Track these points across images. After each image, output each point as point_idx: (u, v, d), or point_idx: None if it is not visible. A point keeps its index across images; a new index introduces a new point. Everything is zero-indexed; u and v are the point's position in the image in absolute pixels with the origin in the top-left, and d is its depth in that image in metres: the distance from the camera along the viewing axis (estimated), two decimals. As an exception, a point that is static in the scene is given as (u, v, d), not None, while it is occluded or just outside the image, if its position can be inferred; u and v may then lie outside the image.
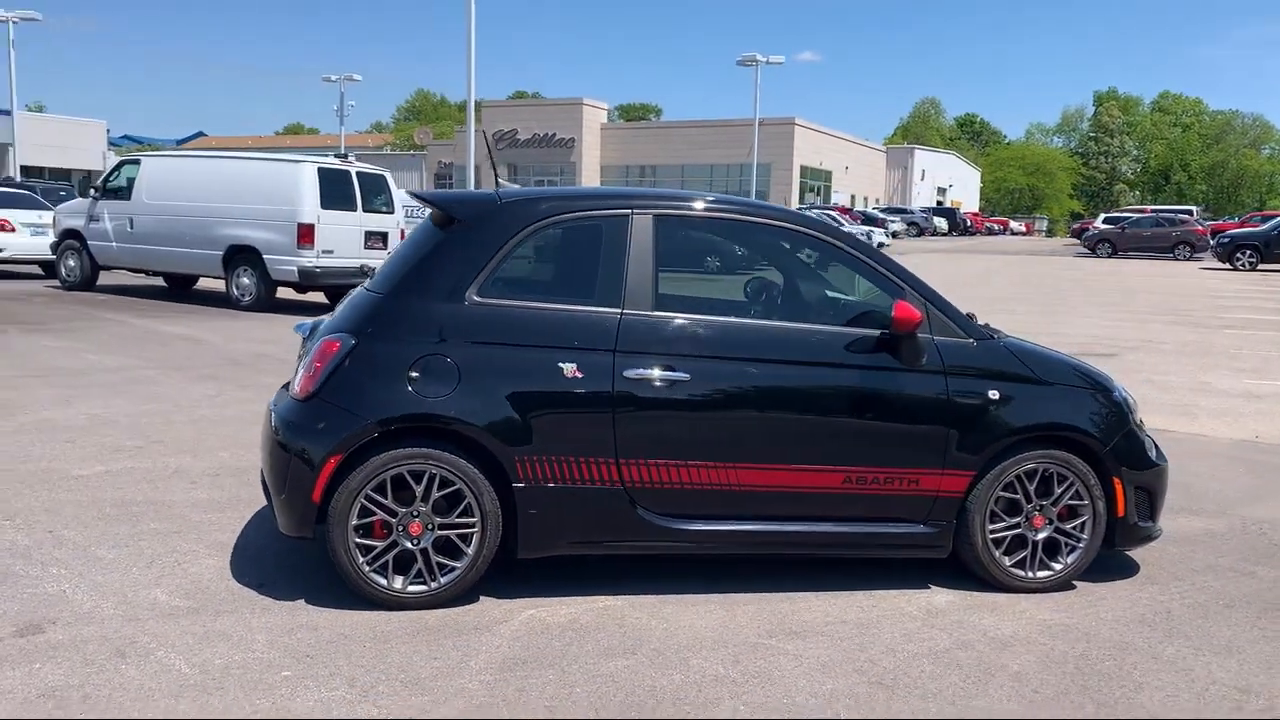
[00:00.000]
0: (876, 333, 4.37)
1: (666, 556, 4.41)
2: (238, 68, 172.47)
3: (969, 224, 64.30)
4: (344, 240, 14.25)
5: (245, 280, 14.41)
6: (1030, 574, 4.50)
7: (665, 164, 60.91)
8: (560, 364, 4.11)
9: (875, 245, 33.13)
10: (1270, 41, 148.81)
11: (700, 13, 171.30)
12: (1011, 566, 4.49)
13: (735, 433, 4.27)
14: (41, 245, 17.43)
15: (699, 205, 4.56)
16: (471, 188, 29.41)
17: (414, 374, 4.02)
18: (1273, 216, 38.28)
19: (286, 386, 4.49)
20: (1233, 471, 6.92)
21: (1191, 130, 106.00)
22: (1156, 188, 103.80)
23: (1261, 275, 29.23)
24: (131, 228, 15.13)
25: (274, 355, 10.16)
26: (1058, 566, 4.53)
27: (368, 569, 4.01)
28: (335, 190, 14.21)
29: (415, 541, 4.04)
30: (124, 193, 15.31)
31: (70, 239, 15.98)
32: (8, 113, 39.53)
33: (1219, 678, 3.71)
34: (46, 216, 17.67)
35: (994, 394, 4.40)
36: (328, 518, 4.00)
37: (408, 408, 4.00)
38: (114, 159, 23.21)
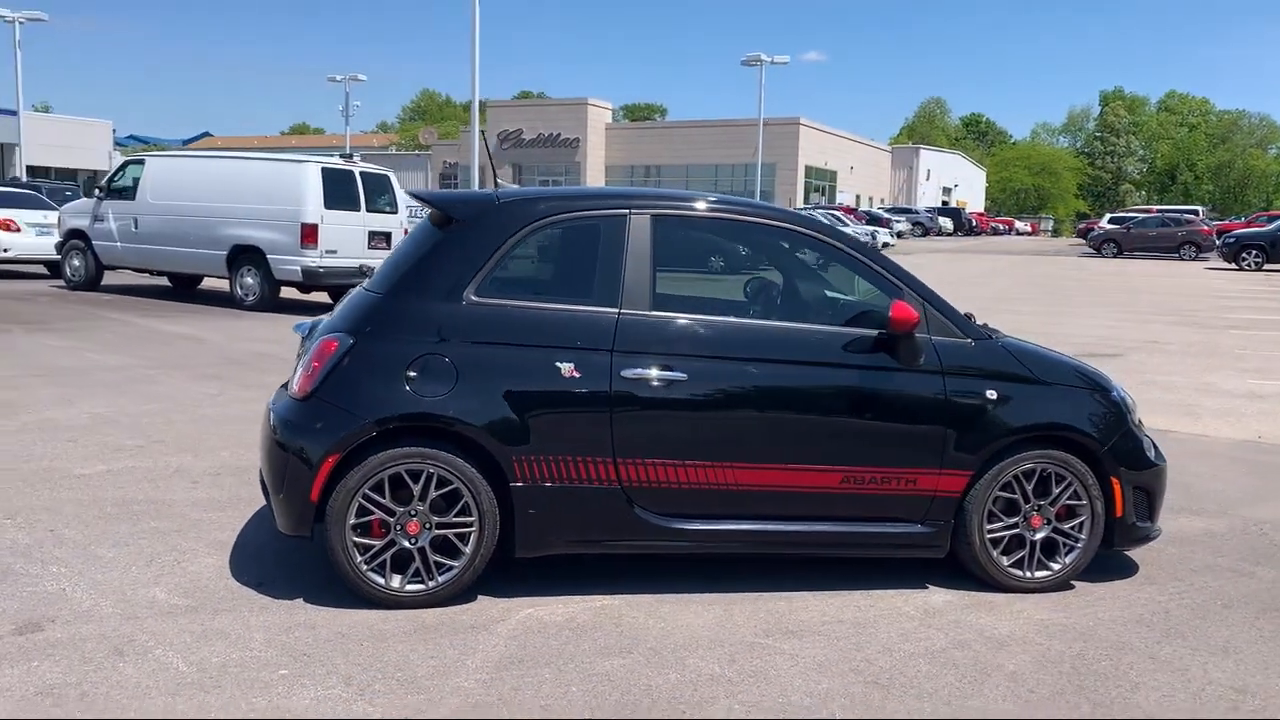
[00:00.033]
0: (874, 333, 4.37)
1: (664, 556, 4.41)
2: (243, 68, 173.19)
3: (974, 224, 64.22)
4: (347, 240, 14.28)
5: (249, 280, 14.45)
6: (1028, 574, 4.50)
7: (670, 164, 60.93)
8: (558, 364, 4.11)
9: (880, 245, 33.03)
10: (1277, 41, 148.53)
11: (705, 12, 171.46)
12: (1009, 566, 4.49)
13: (733, 432, 4.27)
14: (46, 245, 17.48)
15: (696, 205, 4.57)
16: (476, 188, 29.43)
17: (412, 373, 4.04)
18: (1279, 216, 38.19)
19: (286, 386, 4.50)
20: (1234, 472, 6.91)
21: (1198, 130, 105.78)
22: (1163, 188, 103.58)
23: (1267, 275, 29.16)
24: (136, 228, 15.17)
25: (276, 355, 10.18)
26: (1056, 566, 4.52)
27: (365, 568, 4.02)
28: (339, 190, 14.25)
29: (413, 541, 4.05)
30: (129, 193, 15.35)
31: (75, 239, 16.03)
32: (13, 113, 39.65)
33: (1216, 678, 3.71)
34: (51, 216, 17.71)
35: (992, 394, 4.40)
36: (326, 517, 4.01)
37: (405, 407, 4.02)
38: (120, 159, 23.26)
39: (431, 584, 4.07)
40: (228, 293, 14.80)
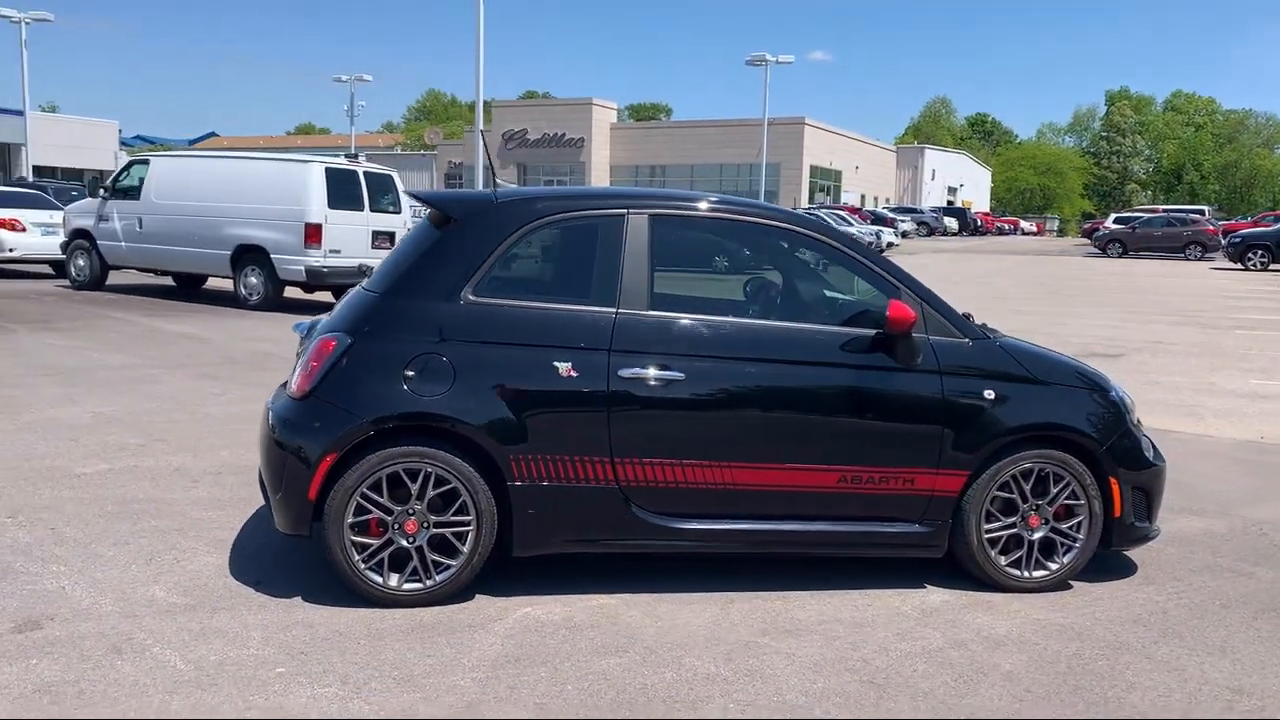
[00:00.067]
0: (872, 332, 4.37)
1: (663, 555, 4.42)
2: (250, 68, 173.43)
3: (979, 224, 64.04)
4: (351, 240, 14.31)
5: (253, 280, 14.48)
6: (1026, 574, 4.50)
7: (675, 164, 60.90)
8: (555, 363, 4.12)
9: (884, 245, 32.89)
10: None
11: (710, 12, 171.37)
12: (1007, 566, 4.49)
13: (730, 432, 4.28)
14: (51, 245, 17.51)
15: (695, 205, 4.57)
16: (480, 188, 29.46)
17: (410, 373, 4.05)
18: (1285, 216, 38.08)
19: (285, 385, 4.51)
20: (1236, 472, 6.90)
21: (1204, 130, 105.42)
22: (1169, 187, 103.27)
23: (1273, 275, 29.05)
24: (140, 227, 15.21)
25: (279, 354, 10.20)
26: (1054, 566, 4.52)
27: (363, 567, 4.03)
28: (342, 190, 14.28)
29: (411, 539, 4.06)
30: (133, 192, 15.39)
31: (80, 239, 16.07)
32: (20, 113, 39.77)
33: (1212, 678, 3.70)
34: (57, 216, 17.76)
35: (989, 394, 4.40)
36: (324, 516, 4.02)
37: (403, 406, 4.03)
38: (126, 159, 23.33)
39: (429, 583, 4.08)
40: (232, 292, 14.83)
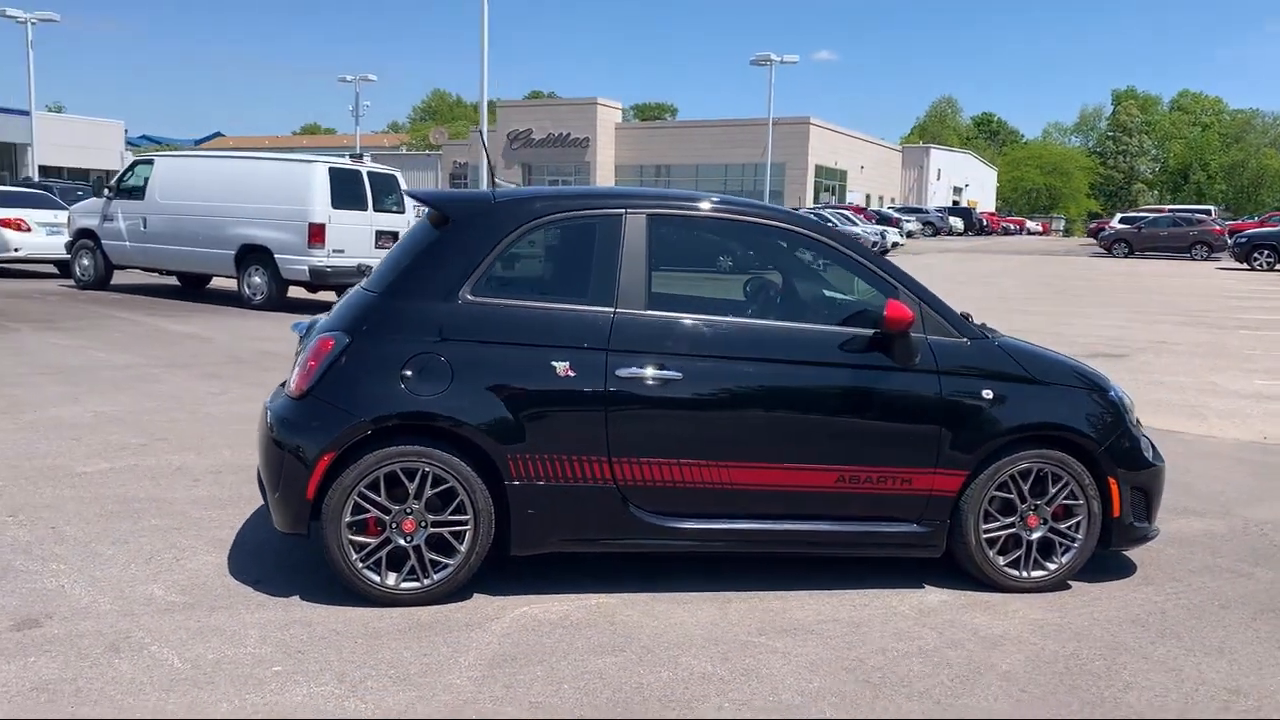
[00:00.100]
0: (869, 332, 4.37)
1: (661, 555, 4.42)
2: (255, 68, 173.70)
3: (985, 223, 63.97)
4: (355, 240, 14.34)
5: (257, 279, 14.51)
6: (1024, 574, 4.49)
7: (679, 164, 60.89)
8: (553, 363, 4.13)
9: (889, 245, 32.75)
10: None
11: (715, 12, 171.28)
12: (1006, 566, 4.48)
13: (728, 431, 4.28)
14: (56, 244, 17.57)
15: (692, 205, 4.57)
16: (484, 187, 29.49)
17: (408, 372, 4.05)
18: (1292, 216, 37.98)
19: (284, 385, 4.52)
20: (1237, 473, 6.88)
21: (1211, 129, 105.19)
22: (1175, 187, 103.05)
23: (1279, 275, 28.99)
24: (145, 227, 15.25)
25: (281, 354, 10.21)
26: (1052, 566, 4.52)
27: (361, 566, 4.04)
28: (346, 190, 14.31)
29: (408, 539, 4.07)
30: (138, 192, 15.43)
31: (84, 238, 16.12)
32: (26, 113, 39.85)
33: (1209, 678, 3.70)
34: (62, 216, 17.81)
35: (988, 393, 4.40)
36: (322, 515, 4.03)
37: (401, 406, 4.03)
38: (131, 159, 23.40)
39: (427, 582, 4.08)
40: (236, 292, 14.86)
